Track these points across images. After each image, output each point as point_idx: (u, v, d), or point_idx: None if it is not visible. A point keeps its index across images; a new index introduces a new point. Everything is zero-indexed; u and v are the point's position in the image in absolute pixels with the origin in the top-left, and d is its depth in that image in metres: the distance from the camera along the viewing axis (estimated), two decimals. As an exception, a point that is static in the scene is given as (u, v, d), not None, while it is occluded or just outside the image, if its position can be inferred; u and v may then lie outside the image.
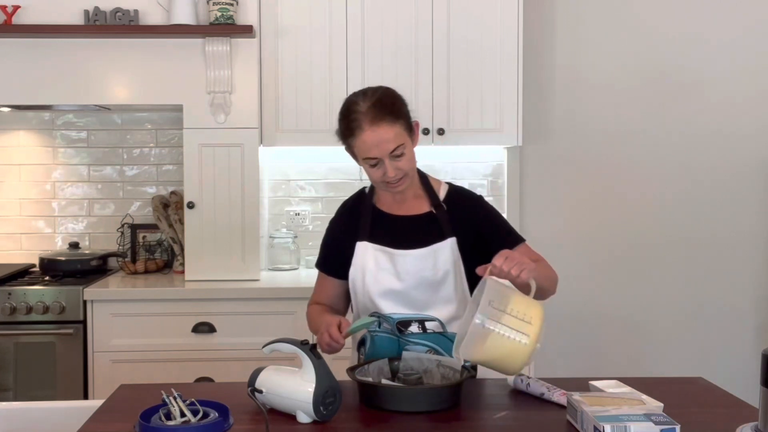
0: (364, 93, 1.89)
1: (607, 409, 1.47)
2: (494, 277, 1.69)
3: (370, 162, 1.86)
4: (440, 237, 1.95)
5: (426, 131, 3.21)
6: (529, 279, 1.67)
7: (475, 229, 1.96)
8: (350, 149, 1.91)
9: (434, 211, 1.98)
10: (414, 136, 1.92)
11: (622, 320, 3.63)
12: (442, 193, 2.02)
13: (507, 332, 1.57)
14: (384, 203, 2.02)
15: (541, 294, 1.84)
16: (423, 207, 2.00)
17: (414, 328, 1.86)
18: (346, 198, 2.11)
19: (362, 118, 1.83)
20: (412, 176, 1.93)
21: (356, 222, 2.01)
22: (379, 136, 1.81)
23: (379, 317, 1.87)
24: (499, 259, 1.69)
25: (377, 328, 1.84)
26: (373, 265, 1.95)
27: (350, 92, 3.16)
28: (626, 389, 1.69)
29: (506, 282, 1.70)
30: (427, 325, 1.87)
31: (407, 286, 1.93)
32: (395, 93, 1.93)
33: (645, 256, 3.63)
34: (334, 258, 2.04)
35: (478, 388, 1.84)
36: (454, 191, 2.04)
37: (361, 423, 1.62)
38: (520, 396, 1.77)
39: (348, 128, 1.86)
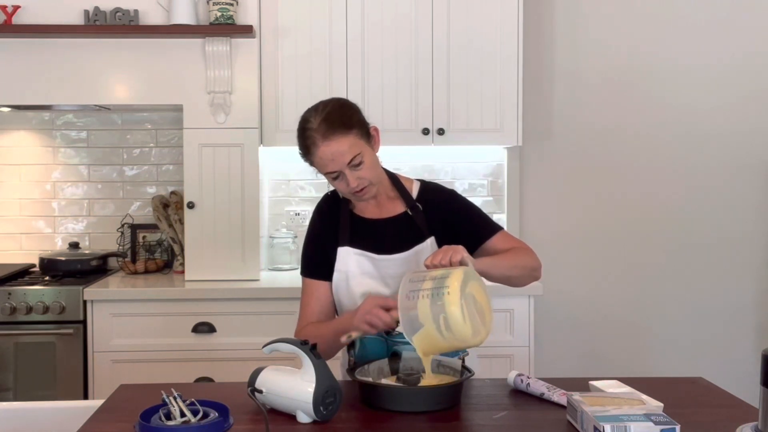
0: (316, 108, 1.88)
1: (607, 409, 1.47)
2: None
3: (332, 175, 1.87)
4: (420, 238, 1.95)
5: (426, 131, 3.22)
6: (463, 259, 1.70)
7: (452, 224, 1.96)
8: (312, 165, 1.91)
9: (409, 212, 1.98)
10: (373, 143, 1.92)
11: (622, 320, 3.63)
12: (414, 192, 2.02)
13: (427, 294, 1.62)
14: (359, 208, 2.01)
15: (511, 281, 1.90)
16: (398, 208, 2.00)
17: (401, 327, 1.86)
18: (318, 201, 2.09)
19: (315, 134, 1.83)
20: (377, 182, 1.92)
21: (335, 227, 2.00)
22: (334, 149, 1.82)
23: None
24: (429, 258, 1.73)
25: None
26: (356, 268, 1.94)
27: (350, 92, 3.22)
28: (626, 389, 1.69)
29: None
30: None
31: (394, 290, 1.92)
32: (346, 103, 1.92)
33: (645, 255, 3.63)
34: (322, 261, 2.00)
35: (478, 388, 1.84)
36: (426, 188, 2.04)
37: (361, 423, 1.62)
38: (520, 396, 1.77)
39: (304, 146, 1.87)
